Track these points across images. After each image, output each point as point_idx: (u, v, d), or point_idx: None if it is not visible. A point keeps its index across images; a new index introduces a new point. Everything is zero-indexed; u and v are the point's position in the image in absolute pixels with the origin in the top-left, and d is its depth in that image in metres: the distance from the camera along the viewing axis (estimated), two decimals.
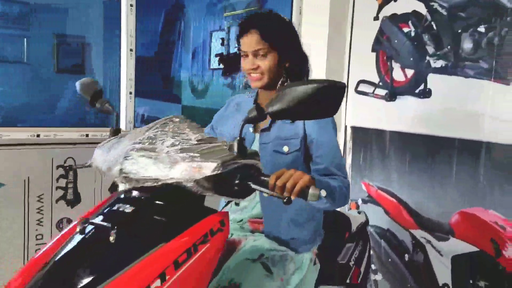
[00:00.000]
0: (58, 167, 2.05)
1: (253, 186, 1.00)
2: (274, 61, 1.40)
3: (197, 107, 4.17)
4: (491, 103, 2.06)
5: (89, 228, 1.03)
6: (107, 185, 2.20)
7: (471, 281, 2.17)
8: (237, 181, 0.99)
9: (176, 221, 0.99)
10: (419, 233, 2.36)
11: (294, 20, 2.75)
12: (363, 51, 2.62)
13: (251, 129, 1.45)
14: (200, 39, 3.96)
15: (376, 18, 2.54)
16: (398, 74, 2.44)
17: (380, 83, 2.53)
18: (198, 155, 0.97)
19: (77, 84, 1.36)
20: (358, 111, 2.66)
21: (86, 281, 0.87)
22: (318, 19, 2.67)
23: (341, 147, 2.72)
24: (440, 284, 2.28)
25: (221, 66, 3.62)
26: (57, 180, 2.05)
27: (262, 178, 1.02)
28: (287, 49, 1.42)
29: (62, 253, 0.97)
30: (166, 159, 0.98)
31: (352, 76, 2.69)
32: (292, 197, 0.98)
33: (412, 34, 2.37)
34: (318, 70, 2.63)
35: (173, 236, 0.94)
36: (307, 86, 0.94)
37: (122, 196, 1.09)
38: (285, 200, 0.97)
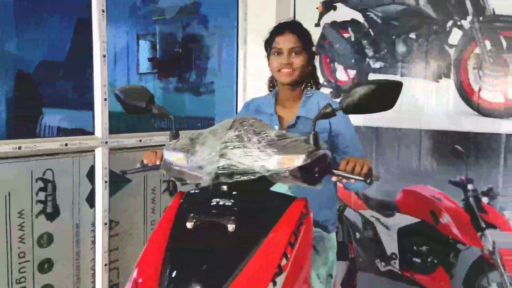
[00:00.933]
0: (37, 180, 1.96)
1: (336, 172, 1.18)
2: (304, 60, 1.60)
3: (122, 112, 4.09)
4: (424, 97, 2.47)
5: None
6: (84, 195, 2.16)
7: (415, 248, 2.58)
8: (317, 169, 1.16)
9: (271, 208, 1.12)
10: (368, 213, 2.71)
11: (240, 26, 2.93)
12: None
13: (276, 127, 1.61)
14: (123, 43, 3.90)
15: (317, 25, 2.83)
16: (341, 74, 2.77)
17: (325, 83, 2.83)
18: (286, 149, 1.12)
19: (123, 91, 1.39)
20: None
21: (226, 265, 0.96)
22: (263, 25, 2.88)
23: None
24: (389, 254, 2.66)
25: (154, 70, 3.64)
26: (37, 193, 1.97)
27: (334, 165, 1.20)
28: (312, 53, 1.62)
29: (185, 247, 1.04)
30: (260, 154, 1.11)
31: None
32: (364, 178, 1.18)
33: (352, 39, 2.71)
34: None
35: (276, 221, 1.07)
36: (371, 84, 1.15)
37: (196, 191, 1.17)
38: (368, 181, 1.16)
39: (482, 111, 2.31)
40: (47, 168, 1.99)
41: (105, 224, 2.18)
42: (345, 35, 2.73)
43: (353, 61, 2.72)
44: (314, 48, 1.68)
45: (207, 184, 1.17)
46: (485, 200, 2.33)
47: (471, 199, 2.37)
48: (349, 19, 2.71)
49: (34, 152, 1.93)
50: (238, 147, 1.12)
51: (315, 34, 2.79)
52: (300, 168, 1.12)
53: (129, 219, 2.36)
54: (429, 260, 2.53)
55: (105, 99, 2.16)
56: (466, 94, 2.36)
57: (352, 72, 2.73)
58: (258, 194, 1.16)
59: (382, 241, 2.68)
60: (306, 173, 1.14)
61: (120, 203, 2.28)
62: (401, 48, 2.53)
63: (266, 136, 1.16)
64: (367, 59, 2.66)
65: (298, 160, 1.11)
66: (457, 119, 2.38)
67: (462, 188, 2.39)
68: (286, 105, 1.68)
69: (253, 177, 1.11)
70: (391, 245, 2.65)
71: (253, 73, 2.95)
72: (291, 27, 1.63)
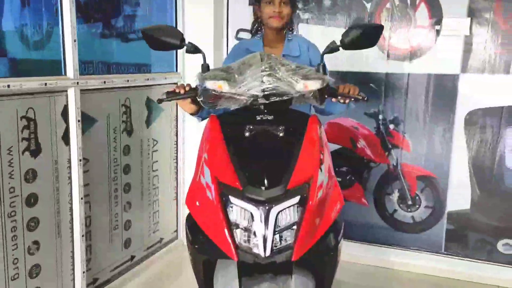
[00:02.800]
0: (21, 118, 2.03)
1: (339, 93, 1.58)
2: (290, 10, 1.93)
3: (35, 60, 3.92)
4: None
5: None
6: (60, 133, 2.26)
7: (337, 169, 3.16)
8: (326, 91, 1.54)
9: (298, 119, 1.48)
10: None
11: None
12: (239, 6, 3.19)
13: None
14: None
15: None
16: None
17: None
18: (307, 76, 1.48)
19: (153, 30, 1.57)
20: None
21: (285, 158, 1.32)
22: None
23: None
24: None
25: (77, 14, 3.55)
26: (22, 131, 2.04)
27: (334, 89, 1.60)
28: (294, 4, 1.96)
29: (248, 149, 1.35)
30: (291, 80, 1.45)
31: (231, 26, 3.24)
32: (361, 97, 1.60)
33: None
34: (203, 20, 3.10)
35: (305, 128, 1.44)
36: (362, 26, 1.55)
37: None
38: (366, 99, 1.58)
39: (391, 56, 2.90)
40: (29, 106, 2.05)
41: (80, 160, 2.32)
42: None
43: None
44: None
45: (244, 105, 1.48)
46: (391, 126, 2.97)
47: (381, 127, 2.99)
48: None
49: (18, 91, 1.98)
50: (272, 75, 1.45)
51: None
52: (319, 90, 1.50)
53: (97, 156, 2.51)
54: (348, 178, 3.14)
55: (75, 40, 2.24)
56: (379, 41, 2.90)
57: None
58: (283, 111, 1.51)
59: None
60: (319, 94, 1.53)
61: (89, 142, 2.41)
62: (326, 1, 2.98)
63: (289, 66, 1.50)
64: (297, 11, 3.05)
65: (318, 84, 1.48)
66: (372, 62, 2.93)
67: (375, 118, 3.00)
68: (272, 46, 2.02)
69: (286, 98, 1.45)
70: None
71: (191, 19, 3.15)
72: None
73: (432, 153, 2.91)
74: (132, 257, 2.91)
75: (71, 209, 2.34)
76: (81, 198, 2.35)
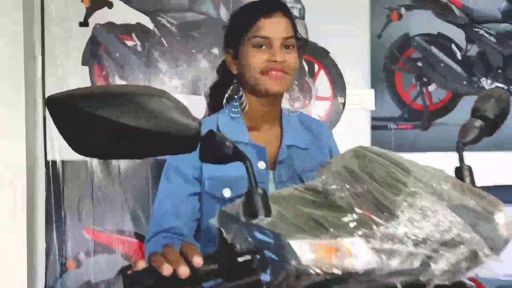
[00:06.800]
0: None
1: None
2: (297, 60, 0.99)
3: None
4: None
5: None
6: None
7: None
8: None
9: None
10: None
11: None
12: (67, 63, 2.05)
13: (263, 164, 0.94)
14: None
15: (84, 24, 2.06)
16: None
17: None
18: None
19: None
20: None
21: None
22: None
23: (42, 191, 2.01)
24: None
25: None
26: None
27: None
28: (304, 49, 1.05)
29: None
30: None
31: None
32: None
33: (139, 49, 2.10)
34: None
35: None
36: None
37: None
38: None
39: None
40: None
41: None
42: (129, 43, 2.10)
43: (141, 76, 2.11)
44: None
45: None
46: None
47: None
48: (133, 23, 2.10)
49: None
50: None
51: (82, 36, 2.07)
52: None
53: None
54: None
55: None
56: None
57: None
58: None
59: None
60: None
61: None
62: (204, 63, 2.15)
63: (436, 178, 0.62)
64: (161, 75, 2.12)
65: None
66: None
67: None
68: (261, 128, 1.04)
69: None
70: None
71: None
72: (283, 7, 1.02)
73: None
74: None
75: None
76: None
